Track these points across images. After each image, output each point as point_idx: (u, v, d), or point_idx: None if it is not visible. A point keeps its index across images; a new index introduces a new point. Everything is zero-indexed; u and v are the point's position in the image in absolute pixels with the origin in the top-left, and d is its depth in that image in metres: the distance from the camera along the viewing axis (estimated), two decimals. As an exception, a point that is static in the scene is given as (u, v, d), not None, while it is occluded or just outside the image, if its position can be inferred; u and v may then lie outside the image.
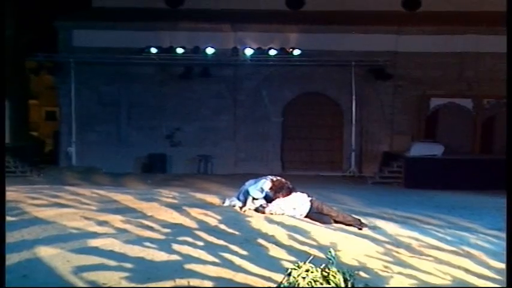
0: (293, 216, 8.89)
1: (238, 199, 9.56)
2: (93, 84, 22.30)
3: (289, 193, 9.08)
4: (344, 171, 22.18)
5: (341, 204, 12.13)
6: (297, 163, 22.61)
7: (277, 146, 22.87)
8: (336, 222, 8.89)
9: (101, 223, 7.45)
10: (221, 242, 6.77)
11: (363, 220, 9.01)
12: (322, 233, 7.76)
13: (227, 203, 9.73)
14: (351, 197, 15.15)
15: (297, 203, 9.07)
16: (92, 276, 5.07)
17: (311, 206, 9.05)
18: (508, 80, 5.96)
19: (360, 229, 8.58)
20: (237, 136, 22.76)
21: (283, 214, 8.88)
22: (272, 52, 21.50)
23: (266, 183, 9.28)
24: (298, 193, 9.26)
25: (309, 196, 9.25)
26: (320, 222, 8.72)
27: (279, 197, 9.03)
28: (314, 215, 8.96)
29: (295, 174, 19.32)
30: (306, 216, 8.98)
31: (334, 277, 4.39)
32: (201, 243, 6.64)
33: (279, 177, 9.51)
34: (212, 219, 8.21)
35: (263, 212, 8.94)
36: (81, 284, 4.90)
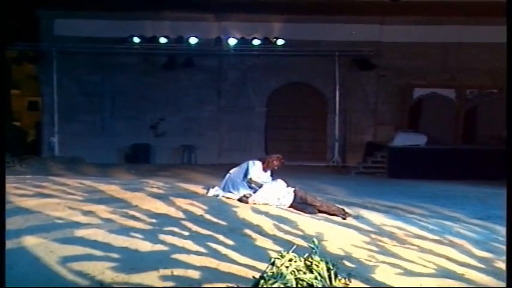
0: (277, 206, 8.97)
1: (227, 190, 9.66)
2: (76, 74, 22.14)
3: (281, 161, 9.63)
4: (328, 162, 22.21)
5: (325, 194, 12.17)
6: (281, 153, 22.50)
7: (261, 136, 22.87)
8: (320, 212, 8.95)
9: (86, 213, 7.42)
10: (206, 232, 6.77)
11: (347, 210, 9.06)
12: (307, 223, 7.80)
13: (211, 192, 9.82)
14: (335, 186, 15.15)
15: (281, 192, 9.14)
16: (77, 266, 5.04)
17: (295, 196, 9.13)
18: (507, 80, 6.09)
19: (344, 219, 8.65)
20: (221, 126, 22.74)
21: (266, 204, 8.95)
22: (256, 42, 21.49)
23: (257, 164, 9.51)
24: (282, 181, 9.36)
25: (292, 186, 9.34)
26: (304, 212, 8.78)
27: (274, 168, 9.58)
28: (298, 205, 9.04)
29: None
30: (289, 207, 9.05)
31: (317, 266, 4.41)
32: (186, 233, 6.64)
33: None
34: (197, 209, 8.23)
35: (246, 202, 9.01)
36: (66, 274, 4.89)
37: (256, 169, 9.60)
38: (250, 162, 9.69)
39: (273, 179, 9.67)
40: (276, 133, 23.03)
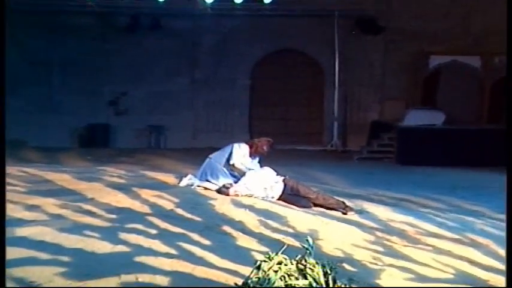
0: (264, 199, 9.06)
1: (204, 178, 9.77)
2: (18, 38, 21.95)
3: (272, 145, 9.87)
4: (325, 145, 22.30)
5: (322, 184, 12.24)
6: (268, 135, 22.47)
7: (245, 115, 22.92)
8: (316, 205, 9.08)
9: (30, 208, 7.44)
10: (178, 230, 6.86)
11: (347, 203, 9.15)
12: (299, 218, 7.89)
13: (185, 182, 9.90)
14: (334, 175, 15.22)
15: (269, 182, 9.19)
16: (18, 272, 5.01)
17: (285, 186, 9.25)
18: (507, 79, 6.58)
19: (345, 213, 8.74)
20: (195, 103, 22.70)
21: (251, 196, 9.07)
22: (238, 0, 21.40)
23: (243, 148, 9.69)
24: (269, 169, 9.44)
25: (282, 175, 9.44)
26: (296, 205, 8.90)
27: (263, 154, 9.79)
28: (289, 197, 9.15)
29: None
30: (279, 199, 9.17)
31: (312, 270, 4.42)
32: (153, 231, 6.70)
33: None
34: (167, 202, 8.31)
35: (227, 194, 9.09)
36: (7, 283, 4.89)
37: (241, 154, 9.72)
38: (236, 145, 9.83)
39: (261, 167, 9.70)
40: (262, 111, 23.06)
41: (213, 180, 9.61)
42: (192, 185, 9.74)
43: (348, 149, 21.81)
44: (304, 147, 21.96)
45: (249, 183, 9.22)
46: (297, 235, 6.93)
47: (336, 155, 21.02)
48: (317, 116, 23.15)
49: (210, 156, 9.98)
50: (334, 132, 22.29)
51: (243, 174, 9.44)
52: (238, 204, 8.45)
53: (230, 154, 9.71)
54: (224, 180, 9.56)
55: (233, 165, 9.61)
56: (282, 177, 9.37)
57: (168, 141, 22.33)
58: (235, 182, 9.36)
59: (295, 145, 21.86)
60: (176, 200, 8.46)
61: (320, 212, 8.70)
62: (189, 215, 7.68)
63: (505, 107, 6.73)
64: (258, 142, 9.93)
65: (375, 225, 8.01)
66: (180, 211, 7.89)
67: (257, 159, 9.91)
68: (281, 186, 9.27)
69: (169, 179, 10.51)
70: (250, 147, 9.79)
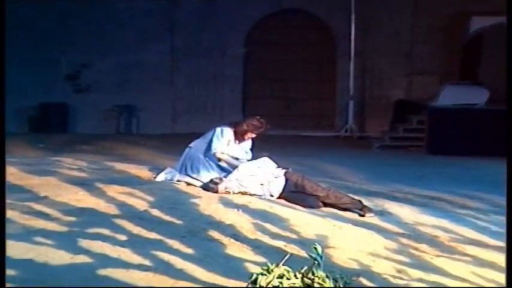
0: (261, 197, 9.11)
1: (185, 172, 9.83)
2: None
3: (263, 126, 9.85)
4: (338, 130, 22.24)
5: (333, 179, 12.25)
6: (267, 118, 22.28)
7: (238, 92, 22.94)
8: (326, 205, 9.08)
9: (-32, 208, 7.40)
10: (154, 236, 6.87)
11: (365, 202, 9.13)
12: (305, 221, 7.90)
13: (162, 177, 9.96)
14: (348, 168, 15.19)
15: (267, 176, 9.26)
16: None
17: (287, 181, 9.29)
18: (508, 79, 7.01)
19: (362, 215, 8.75)
20: (175, 77, 22.67)
21: (245, 194, 9.11)
22: None
23: (226, 133, 9.76)
24: (268, 160, 9.50)
25: (284, 167, 9.50)
26: (302, 205, 8.92)
27: (252, 138, 9.82)
28: (292, 195, 9.20)
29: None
30: (279, 197, 9.21)
31: (322, 285, 4.43)
32: (123, 237, 6.71)
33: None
34: (140, 202, 8.34)
35: (215, 191, 9.14)
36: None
37: (223, 140, 9.76)
38: (218, 130, 9.83)
39: (254, 156, 9.72)
40: (259, 87, 23.13)
41: (193, 175, 9.68)
42: (171, 180, 9.75)
43: (366, 135, 21.79)
44: (312, 133, 21.95)
45: (243, 178, 9.22)
46: (302, 242, 6.92)
47: (351, 143, 20.92)
48: (328, 95, 23.10)
49: (191, 144, 10.00)
50: (349, 114, 22.08)
51: (234, 167, 9.43)
52: (229, 204, 8.42)
53: (211, 141, 9.75)
54: (208, 174, 9.59)
55: (215, 154, 9.67)
56: (284, 171, 9.43)
57: (141, 125, 22.35)
58: (226, 177, 9.34)
59: (300, 130, 21.94)
60: (151, 199, 8.44)
61: (331, 214, 8.69)
62: (167, 217, 7.65)
63: None
64: (245, 123, 9.93)
65: (400, 230, 7.99)
66: (156, 212, 7.85)
67: (247, 145, 9.94)
68: (282, 181, 9.30)
69: (143, 172, 10.48)
70: (235, 131, 9.79)
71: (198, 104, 22.58)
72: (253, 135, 9.94)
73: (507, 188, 6.09)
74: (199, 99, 22.62)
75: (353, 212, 8.88)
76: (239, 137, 9.85)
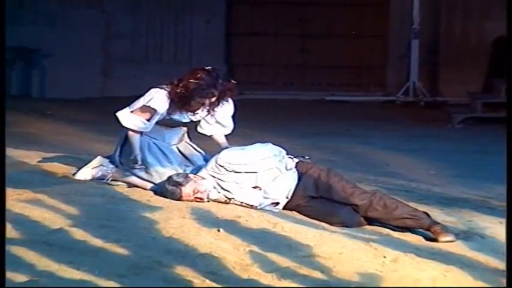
0: (259, 207, 7.14)
1: (123, 166, 7.58)
2: None
3: (227, 86, 7.32)
4: (391, 92, 18.01)
5: (384, 177, 10.21)
6: (268, 70, 18.55)
7: (216, 25, 18.28)
8: (370, 220, 7.03)
9: None
10: (73, 274, 5.21)
11: (438, 216, 7.20)
12: (334, 249, 6.02)
13: (87, 173, 7.68)
14: (410, 157, 12.44)
15: (265, 171, 7.16)
16: None
17: (301, 178, 7.16)
18: (508, 79, 5.79)
19: (433, 239, 6.67)
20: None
21: (229, 201, 7.16)
22: None
23: (157, 97, 7.30)
24: (269, 146, 7.37)
25: (297, 155, 7.43)
26: (328, 221, 6.90)
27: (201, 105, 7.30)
28: (312, 203, 7.11)
29: (265, 97, 16.42)
30: (289, 207, 7.14)
31: None
32: (21, 278, 5.07)
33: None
34: (51, 215, 6.52)
35: (178, 197, 7.03)
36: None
37: (157, 107, 7.32)
38: (152, 91, 7.35)
39: (236, 131, 7.74)
40: (253, 15, 18.61)
41: (138, 172, 7.36)
42: (102, 179, 7.57)
43: (440, 100, 17.60)
44: (346, 96, 17.79)
45: (225, 175, 7.13)
46: (332, 284, 5.32)
47: (414, 113, 16.81)
48: (374, 28, 18.55)
49: None
50: (412, 64, 17.75)
51: (211, 155, 7.34)
52: (203, 219, 6.53)
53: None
54: (163, 169, 7.37)
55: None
56: (296, 161, 7.28)
57: (48, 83, 18.13)
58: (194, 172, 7.28)
59: (325, 92, 17.76)
60: (70, 211, 6.63)
61: (379, 236, 6.74)
62: (97, 242, 5.84)
63: None
64: (190, 79, 7.25)
65: (500, 265, 6.04)
66: (77, 233, 5.99)
67: (227, 114, 7.59)
68: (294, 179, 7.13)
69: (55, 166, 8.40)
70: (170, 91, 7.30)
71: (149, 46, 18.31)
72: (205, 104, 7.39)
73: (507, 188, 5.88)
74: (151, 36, 18.29)
75: (416, 233, 6.88)
76: (179, 103, 7.35)
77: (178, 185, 6.94)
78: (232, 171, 7.05)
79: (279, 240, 6.15)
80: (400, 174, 10.95)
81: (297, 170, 7.17)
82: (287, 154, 7.35)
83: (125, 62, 18.06)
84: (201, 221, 6.45)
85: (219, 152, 7.18)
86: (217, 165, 7.02)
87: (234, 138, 7.76)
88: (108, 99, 15.90)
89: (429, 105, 17.36)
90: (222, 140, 7.57)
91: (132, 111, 7.22)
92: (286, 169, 7.17)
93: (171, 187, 6.99)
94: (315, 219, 6.92)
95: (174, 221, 6.38)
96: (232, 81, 7.42)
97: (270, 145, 7.34)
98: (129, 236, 5.99)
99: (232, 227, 6.36)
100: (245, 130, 7.95)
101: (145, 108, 7.21)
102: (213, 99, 7.28)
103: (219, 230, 6.17)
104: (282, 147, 7.46)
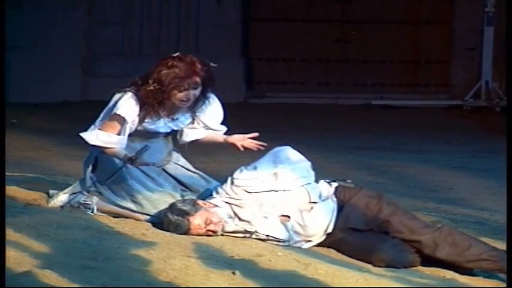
0: (285, 243, 6.54)
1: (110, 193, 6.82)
2: None
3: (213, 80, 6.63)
4: (458, 95, 16.73)
5: (450, 205, 9.42)
6: (296, 72, 17.25)
7: (230, 8, 16.89)
8: (428, 259, 6.33)
9: None
10: None
11: None
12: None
13: (63, 199, 6.93)
14: (484, 178, 11.54)
15: (293, 198, 6.48)
16: None
17: (342, 208, 6.42)
18: (508, 78, 6.22)
19: None
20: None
21: (248, 235, 6.50)
22: None
23: (125, 102, 6.51)
24: (302, 160, 6.62)
25: (337, 179, 6.76)
26: (378, 262, 6.20)
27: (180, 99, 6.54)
28: (357, 238, 6.41)
29: (293, 101, 15.01)
30: (326, 244, 6.48)
31: None
32: None
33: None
34: (16, 254, 5.74)
35: (186, 229, 6.36)
36: None
37: (115, 122, 6.59)
38: (116, 97, 6.58)
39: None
40: (281, 2, 17.19)
41: (122, 202, 6.62)
42: (88, 207, 6.76)
43: None
44: (401, 99, 16.61)
45: (245, 202, 6.38)
46: None
47: (488, 121, 15.73)
48: (434, 14, 17.18)
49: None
50: (485, 58, 16.45)
51: (224, 180, 6.50)
52: (215, 259, 5.86)
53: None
54: (154, 195, 6.66)
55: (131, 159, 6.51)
56: (335, 185, 6.51)
57: (16, 82, 16.18)
58: (204, 199, 6.58)
59: (370, 94, 16.58)
60: (43, 247, 5.84)
61: (443, 282, 5.97)
62: None
63: None
64: (161, 71, 6.44)
65: None
66: (52, 277, 5.13)
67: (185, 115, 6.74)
68: (330, 209, 6.30)
69: (22, 190, 7.48)
70: (144, 93, 6.51)
71: (143, 36, 17.00)
72: (187, 99, 6.58)
73: (507, 188, 6.24)
74: (146, 23, 16.98)
75: (492, 277, 6.31)
76: (159, 105, 6.59)
77: (185, 214, 6.49)
78: (253, 191, 6.46)
79: (311, 286, 5.78)
80: (469, 200, 10.48)
81: (337, 197, 6.62)
82: (328, 181, 6.78)
83: (112, 57, 16.74)
84: (211, 261, 6.03)
85: (233, 171, 6.60)
86: (234, 187, 6.46)
87: (250, 155, 6.99)
88: (90, 103, 14.69)
89: (506, 111, 15.45)
90: (219, 135, 6.82)
91: (99, 129, 6.50)
92: (321, 198, 6.49)
93: (175, 217, 6.52)
94: (359, 258, 6.44)
95: (176, 261, 5.93)
96: (212, 63, 6.62)
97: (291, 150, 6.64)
98: (119, 281, 5.50)
99: (251, 268, 5.95)
100: (267, 142, 6.97)
101: (112, 120, 6.49)
102: (196, 91, 6.47)
103: (234, 273, 5.72)
104: (315, 166, 6.84)
